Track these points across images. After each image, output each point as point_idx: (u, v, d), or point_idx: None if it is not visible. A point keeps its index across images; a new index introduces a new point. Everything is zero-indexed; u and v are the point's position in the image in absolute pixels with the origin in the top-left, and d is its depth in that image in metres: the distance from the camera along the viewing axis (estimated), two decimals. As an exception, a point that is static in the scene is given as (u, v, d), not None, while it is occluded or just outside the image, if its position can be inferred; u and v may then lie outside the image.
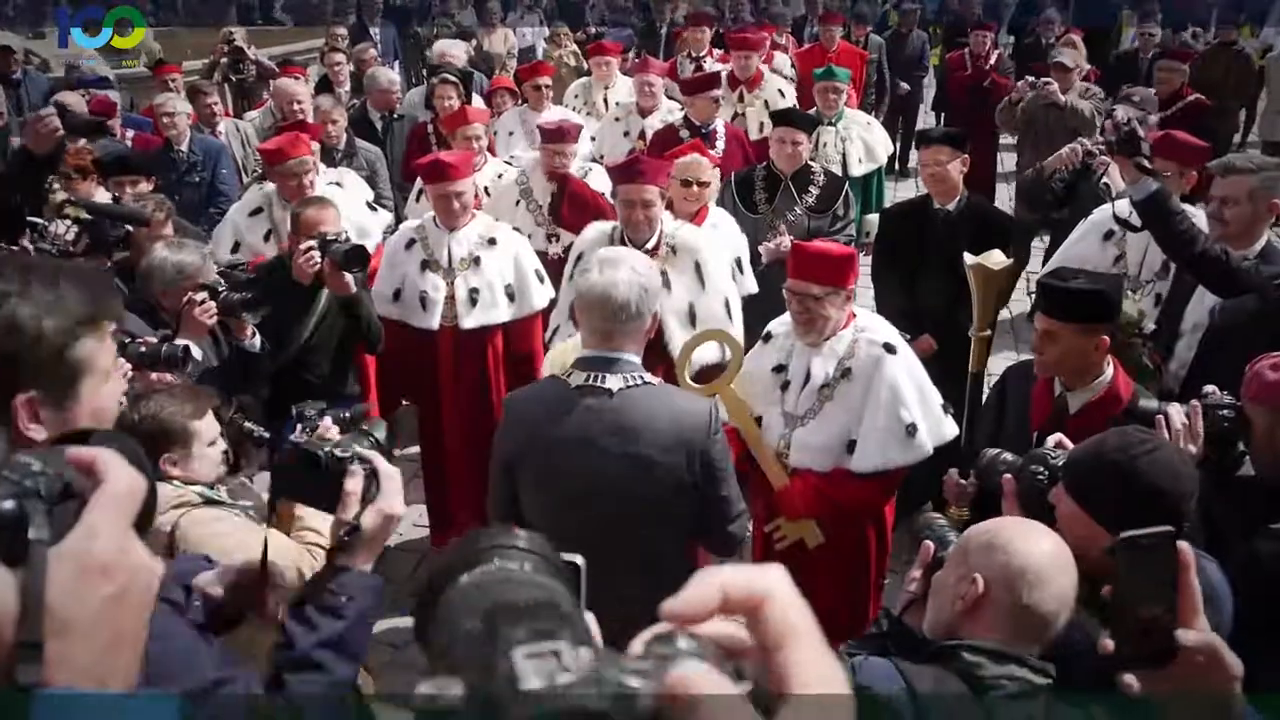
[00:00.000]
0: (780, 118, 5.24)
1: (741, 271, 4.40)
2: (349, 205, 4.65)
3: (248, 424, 2.95)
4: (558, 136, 5.18)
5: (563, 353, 3.03)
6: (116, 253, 3.81)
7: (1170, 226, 3.28)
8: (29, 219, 3.54)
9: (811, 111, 6.18)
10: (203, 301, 3.19)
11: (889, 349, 3.10)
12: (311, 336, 3.87)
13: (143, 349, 2.94)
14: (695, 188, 4.47)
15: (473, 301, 4.15)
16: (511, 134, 6.44)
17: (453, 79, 6.35)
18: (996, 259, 2.93)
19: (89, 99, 6.36)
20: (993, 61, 8.79)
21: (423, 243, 4.28)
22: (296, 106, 6.07)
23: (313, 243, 3.61)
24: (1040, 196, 5.60)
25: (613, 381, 2.47)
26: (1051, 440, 2.24)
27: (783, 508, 3.16)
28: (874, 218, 6.01)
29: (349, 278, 3.64)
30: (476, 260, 4.19)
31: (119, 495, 0.78)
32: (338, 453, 1.57)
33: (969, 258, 2.94)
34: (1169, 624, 1.21)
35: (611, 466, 2.44)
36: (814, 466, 3.14)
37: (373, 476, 1.56)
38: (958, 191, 4.38)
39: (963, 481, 2.73)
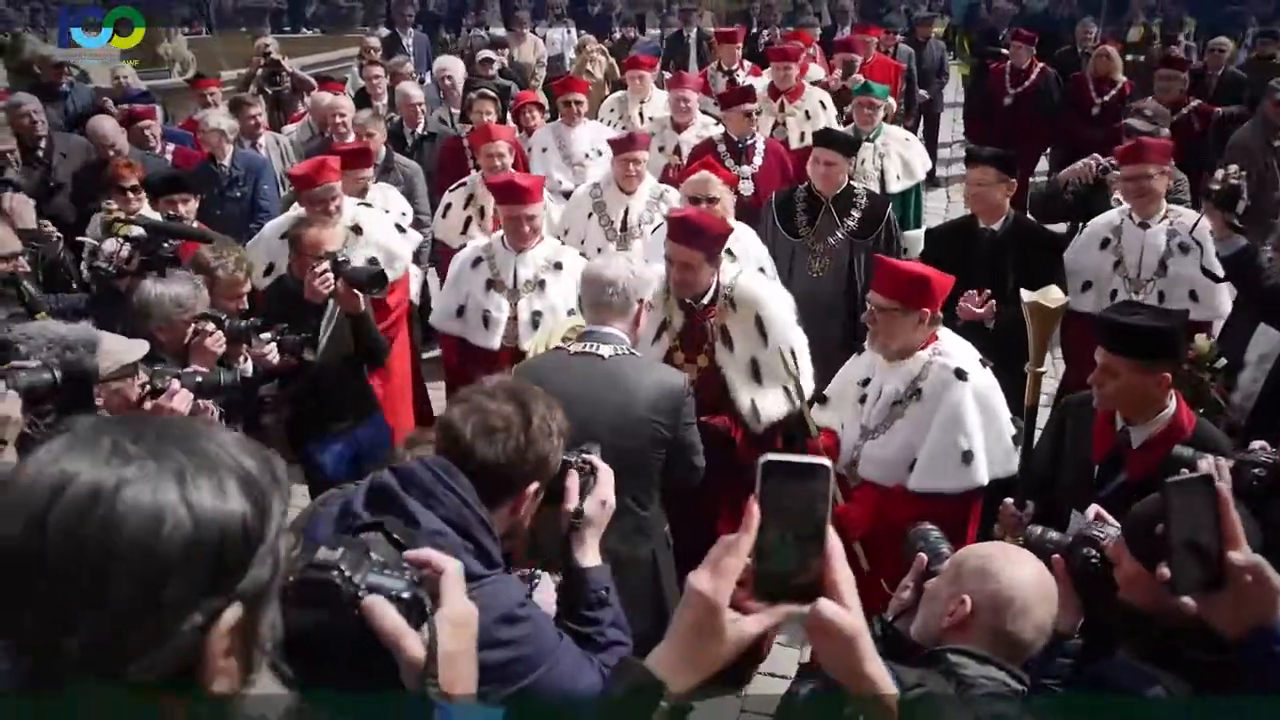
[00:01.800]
0: (820, 137, 5.19)
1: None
2: (377, 229, 4.66)
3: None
4: (628, 145, 5.19)
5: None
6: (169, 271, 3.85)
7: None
8: (79, 238, 3.59)
9: (849, 128, 6.17)
10: (212, 332, 3.20)
11: (960, 375, 3.13)
12: (322, 355, 3.86)
13: (199, 379, 2.98)
14: (705, 205, 4.44)
15: (535, 324, 4.14)
16: (545, 150, 6.45)
17: (490, 94, 6.36)
18: (1053, 296, 2.92)
19: (127, 111, 6.45)
20: (1035, 74, 8.73)
21: (489, 262, 4.29)
22: (339, 120, 6.10)
23: (326, 264, 3.65)
24: (1053, 207, 5.59)
25: (605, 350, 2.94)
26: (1090, 513, 2.18)
27: (844, 525, 3.19)
28: (913, 234, 6.00)
29: (361, 297, 3.72)
30: (541, 283, 4.21)
31: (455, 574, 1.29)
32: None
33: (1026, 295, 2.93)
34: (1218, 550, 1.37)
35: (603, 417, 2.75)
36: (878, 480, 3.28)
37: (592, 473, 1.90)
38: (1003, 212, 4.35)
39: (1018, 512, 2.78)
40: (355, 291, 3.68)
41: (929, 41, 10.56)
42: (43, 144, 5.91)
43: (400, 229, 4.88)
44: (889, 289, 3.16)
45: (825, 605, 1.08)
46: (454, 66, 7.51)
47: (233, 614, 0.89)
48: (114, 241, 3.56)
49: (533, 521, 1.89)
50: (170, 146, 6.35)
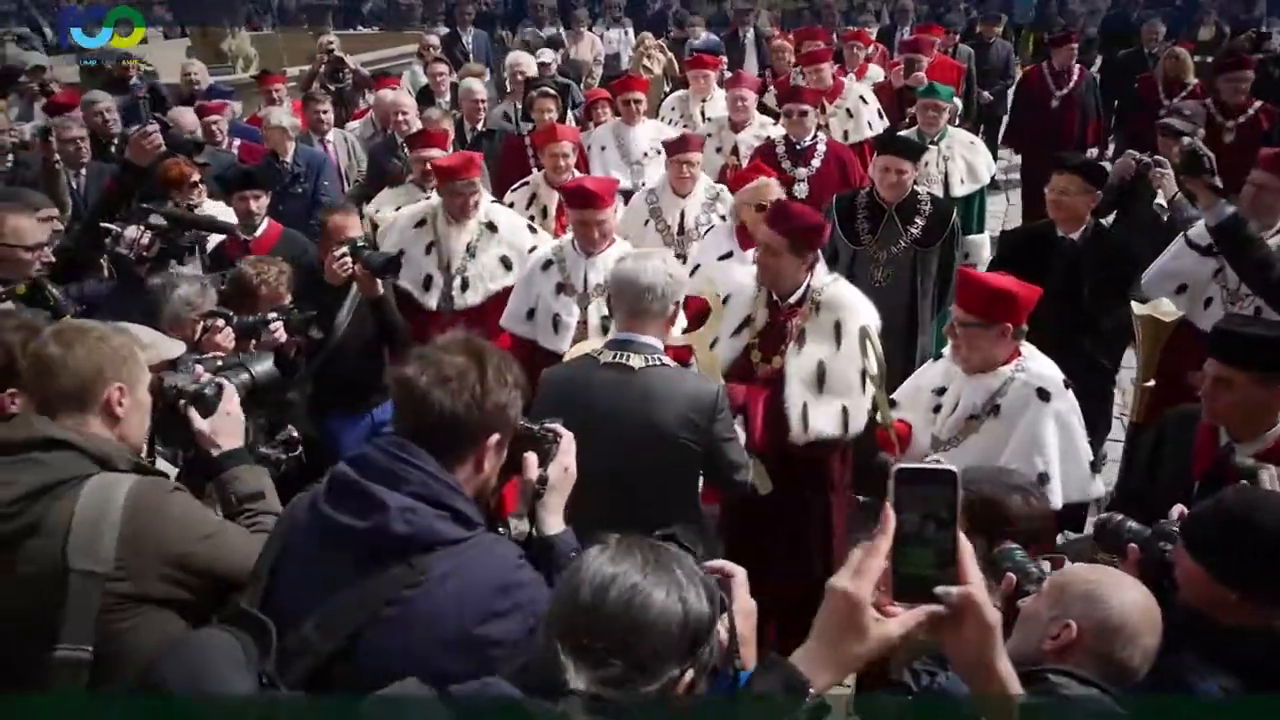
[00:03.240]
0: (886, 145, 5.09)
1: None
2: (510, 227, 4.71)
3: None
4: (681, 146, 5.17)
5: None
6: (188, 258, 3.93)
7: (1246, 251, 3.18)
8: (103, 224, 3.66)
9: (912, 130, 6.08)
10: (222, 328, 3.24)
11: (1042, 394, 3.05)
12: (342, 335, 4.03)
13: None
14: (756, 210, 4.46)
15: (605, 329, 4.06)
16: (604, 149, 6.45)
17: (551, 92, 6.38)
18: (1165, 309, 2.84)
19: (196, 106, 6.58)
20: (1075, 78, 8.54)
21: (560, 265, 4.27)
22: (401, 118, 6.16)
23: (344, 248, 3.82)
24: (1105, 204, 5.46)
25: (635, 360, 2.85)
26: (1175, 513, 2.21)
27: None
28: (976, 238, 5.91)
29: (378, 282, 3.86)
30: None
31: (741, 578, 1.53)
32: None
33: (1137, 307, 2.86)
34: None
35: (631, 433, 2.75)
36: None
37: (554, 440, 1.91)
38: (1084, 222, 4.23)
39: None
40: (372, 276, 3.82)
41: (994, 42, 10.36)
42: (115, 141, 6.05)
43: (531, 228, 4.90)
44: (972, 304, 3.08)
45: (975, 593, 1.14)
46: (527, 62, 7.55)
47: (690, 674, 1.29)
48: (135, 229, 3.63)
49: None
50: (236, 142, 6.46)
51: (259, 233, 4.65)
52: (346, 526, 1.67)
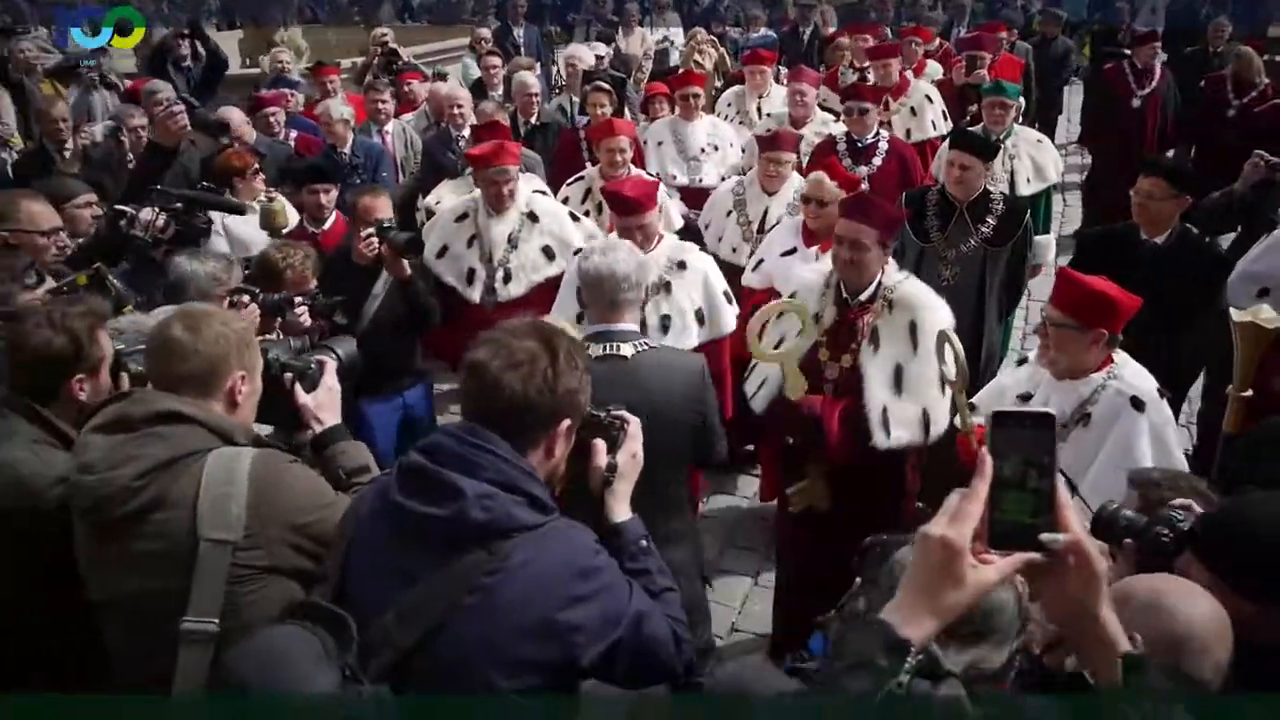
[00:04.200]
0: (956, 140, 4.97)
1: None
2: (551, 217, 4.69)
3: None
4: (772, 144, 5.07)
5: None
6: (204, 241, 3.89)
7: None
8: (118, 206, 3.64)
9: (977, 128, 5.94)
10: (247, 304, 3.24)
11: (1136, 404, 2.93)
12: (375, 318, 4.05)
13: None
14: (813, 205, 4.45)
15: (664, 328, 3.99)
16: (661, 144, 6.36)
17: (606, 86, 6.31)
18: (1266, 315, 2.71)
19: (254, 98, 6.59)
20: (1158, 76, 8.31)
21: None
22: (457, 111, 6.12)
23: (371, 230, 3.89)
24: (1222, 213, 5.26)
25: (625, 349, 2.91)
26: (1179, 501, 2.11)
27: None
28: (1043, 239, 5.76)
29: (405, 262, 3.91)
30: (667, 286, 4.06)
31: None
32: None
33: (1236, 313, 2.74)
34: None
35: (643, 420, 2.70)
36: None
37: (621, 427, 1.91)
38: (1169, 226, 4.09)
39: None
40: (398, 257, 3.86)
41: (1055, 39, 10.12)
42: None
43: (575, 217, 4.86)
44: (1068, 305, 2.96)
45: (1083, 538, 1.10)
46: (584, 55, 7.50)
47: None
48: (149, 211, 3.62)
49: (563, 480, 1.85)
50: (293, 134, 6.46)
51: (327, 225, 4.65)
52: (423, 515, 1.64)
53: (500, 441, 1.68)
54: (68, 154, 5.73)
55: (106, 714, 1.84)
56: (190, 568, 1.82)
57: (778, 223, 4.95)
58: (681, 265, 4.11)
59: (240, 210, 4.18)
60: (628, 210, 4.03)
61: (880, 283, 3.46)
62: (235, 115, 5.94)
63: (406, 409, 4.32)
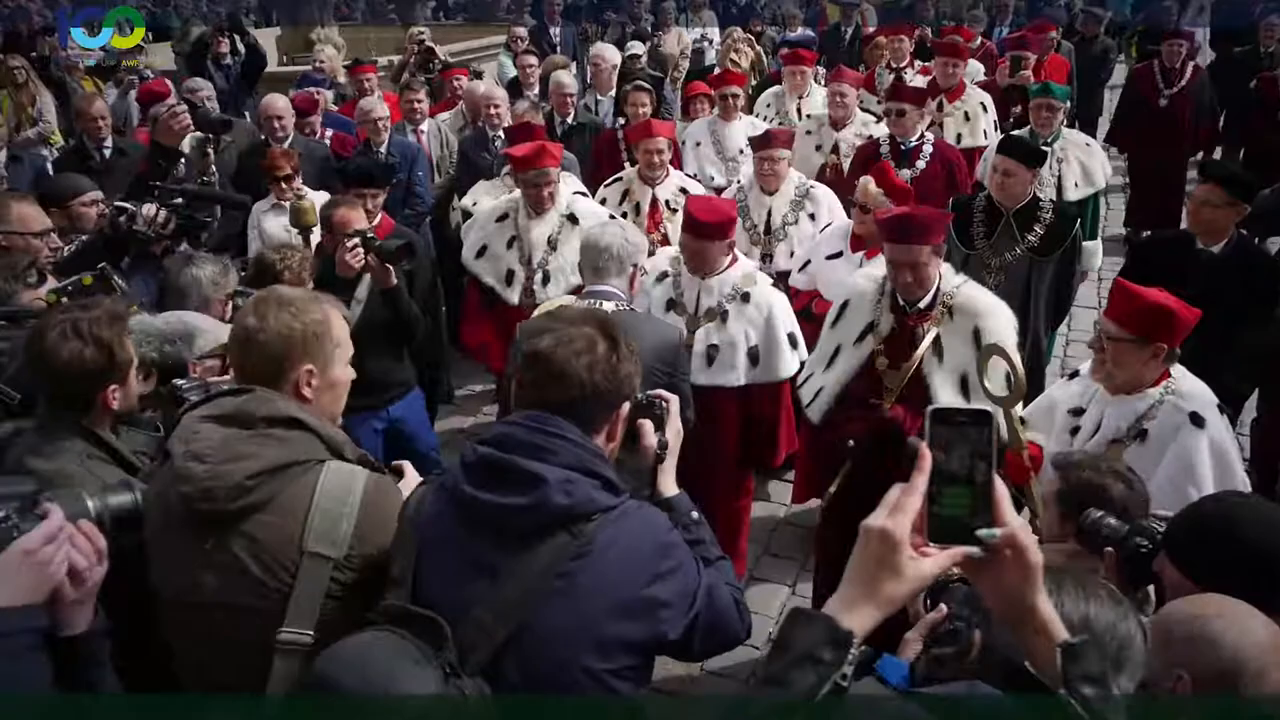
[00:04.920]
0: (1003, 144, 4.82)
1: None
2: (592, 220, 4.51)
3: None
4: (765, 143, 4.99)
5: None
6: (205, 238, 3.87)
7: None
8: (119, 203, 3.63)
9: (1024, 130, 5.80)
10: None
11: (1196, 420, 2.81)
12: (357, 329, 3.87)
13: None
14: (859, 211, 4.41)
15: (710, 359, 3.81)
16: (699, 145, 6.29)
17: (645, 86, 6.24)
18: None
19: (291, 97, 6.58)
20: (1188, 76, 8.10)
21: (674, 280, 3.97)
22: (493, 110, 6.08)
23: (356, 240, 3.73)
24: (1274, 212, 5.11)
25: (608, 305, 3.11)
26: (1160, 513, 2.14)
27: None
28: (1090, 245, 5.61)
29: (391, 271, 3.78)
30: (724, 315, 3.84)
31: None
32: None
33: None
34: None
35: None
36: None
37: (665, 408, 1.96)
38: (1226, 235, 3.97)
39: None
40: (386, 266, 3.73)
41: (1098, 39, 9.91)
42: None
43: (613, 218, 4.78)
44: (1125, 317, 2.85)
45: (1019, 533, 1.12)
46: (609, 54, 7.43)
47: None
48: (151, 206, 3.60)
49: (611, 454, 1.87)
50: (329, 132, 6.45)
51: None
52: (501, 505, 1.66)
53: (570, 426, 1.71)
54: (107, 152, 5.75)
55: (196, 713, 1.84)
56: (278, 575, 1.78)
57: (784, 223, 4.87)
58: (746, 297, 3.87)
59: (242, 205, 4.14)
60: (699, 234, 3.79)
61: (939, 288, 3.36)
62: (280, 103, 5.93)
63: (393, 423, 4.12)
